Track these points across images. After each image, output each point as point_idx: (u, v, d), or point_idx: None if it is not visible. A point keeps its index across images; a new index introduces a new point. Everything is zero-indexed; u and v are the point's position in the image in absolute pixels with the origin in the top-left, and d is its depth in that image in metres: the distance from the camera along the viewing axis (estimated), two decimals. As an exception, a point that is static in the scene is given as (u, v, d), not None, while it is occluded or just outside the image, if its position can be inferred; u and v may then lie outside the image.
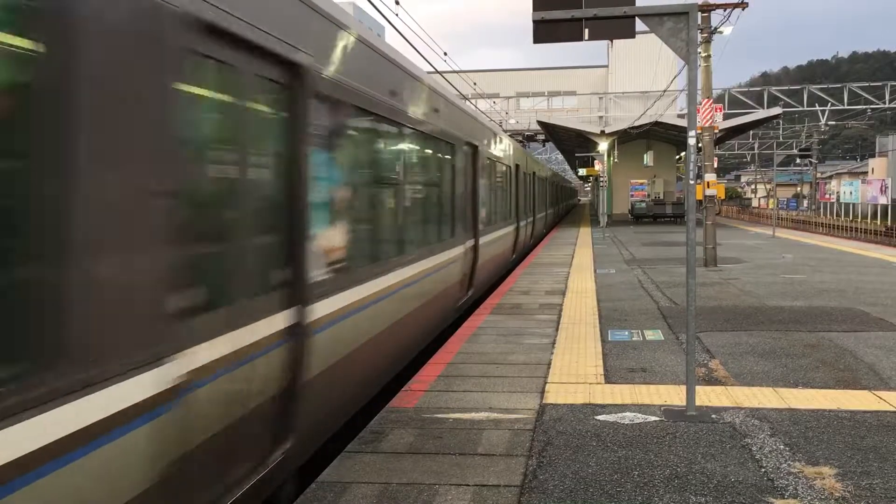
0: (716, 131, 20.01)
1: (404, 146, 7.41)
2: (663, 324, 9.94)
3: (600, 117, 55.41)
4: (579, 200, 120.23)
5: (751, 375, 7.10)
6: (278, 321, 4.26)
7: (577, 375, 7.16)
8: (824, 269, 16.73)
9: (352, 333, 5.50)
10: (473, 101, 36.13)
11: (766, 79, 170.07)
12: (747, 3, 18.33)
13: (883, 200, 56.44)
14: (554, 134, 45.46)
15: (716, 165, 19.61)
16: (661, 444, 5.20)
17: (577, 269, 17.35)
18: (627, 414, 5.91)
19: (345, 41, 5.42)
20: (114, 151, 2.80)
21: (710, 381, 6.91)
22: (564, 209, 58.72)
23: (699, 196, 18.09)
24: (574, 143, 46.89)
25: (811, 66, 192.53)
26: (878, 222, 50.42)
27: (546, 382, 6.91)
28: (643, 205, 44.50)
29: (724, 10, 18.65)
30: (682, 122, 33.27)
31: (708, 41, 18.59)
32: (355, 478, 4.63)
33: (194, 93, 3.47)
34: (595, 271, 16.79)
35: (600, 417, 5.83)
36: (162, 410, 3.07)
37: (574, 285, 14.19)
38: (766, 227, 36.53)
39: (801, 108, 51.82)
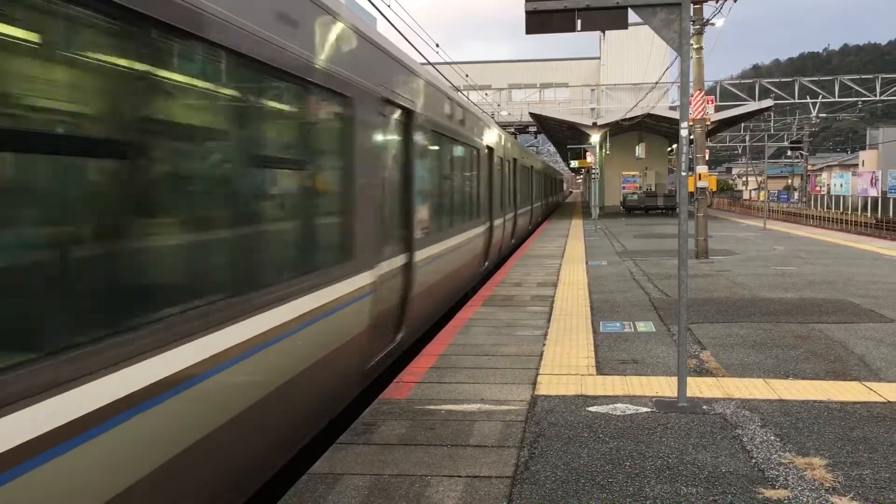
0: (707, 123, 20.03)
1: (241, 94, 4.18)
2: (655, 315, 9.97)
3: (592, 109, 55.44)
4: (571, 192, 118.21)
5: (742, 367, 7.12)
6: None
7: (568, 367, 7.17)
8: (815, 260, 16.79)
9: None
10: (465, 92, 36.07)
11: (757, 71, 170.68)
12: (739, -5, 18.34)
13: (873, 193, 56.80)
14: (546, 126, 45.45)
15: (707, 158, 19.63)
16: (653, 435, 5.21)
17: (568, 260, 17.37)
18: (619, 405, 5.92)
19: None
20: None
21: (702, 372, 6.93)
22: (555, 203, 55.35)
23: (691, 188, 18.12)
24: (566, 135, 46.89)
25: (802, 59, 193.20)
26: (869, 214, 50.66)
27: (538, 374, 6.91)
28: (635, 197, 44.58)
29: (717, 2, 18.66)
30: (674, 115, 33.34)
31: (700, 33, 18.59)
32: (347, 469, 4.62)
33: None
34: (587, 263, 16.81)
35: (592, 409, 5.84)
36: None
37: (566, 277, 14.21)
38: (757, 220, 36.64)
39: (792, 101, 51.95)
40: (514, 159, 20.28)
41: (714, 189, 23.84)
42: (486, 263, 14.61)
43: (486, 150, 14.41)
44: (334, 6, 5.38)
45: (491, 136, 15.21)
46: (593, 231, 28.33)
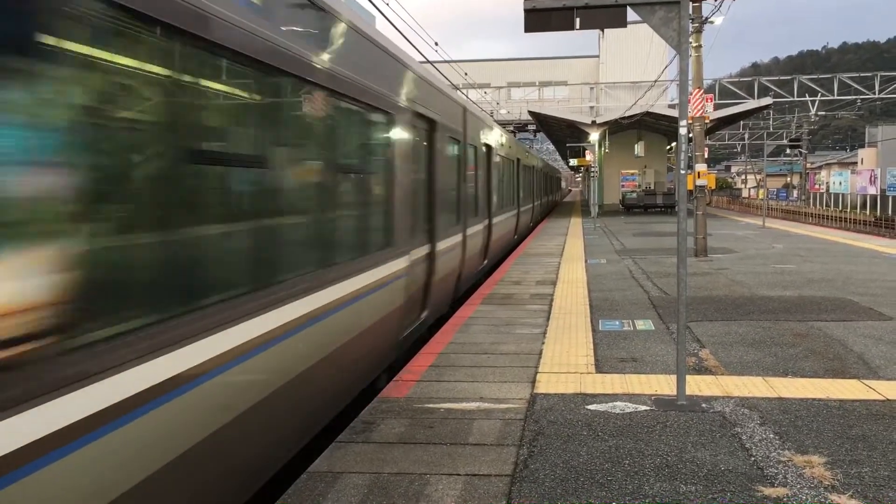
0: (706, 121, 20.03)
1: None
2: (654, 314, 9.97)
3: (591, 107, 55.46)
4: (570, 191, 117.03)
5: (741, 365, 7.12)
6: None
7: (567, 365, 7.17)
8: (814, 258, 16.79)
9: None
10: (465, 90, 36.07)
11: (756, 69, 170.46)
12: (738, -7, 18.35)
13: (872, 191, 56.78)
14: (545, 124, 45.44)
15: (706, 156, 19.64)
16: (652, 433, 5.22)
17: (568, 259, 17.36)
18: (618, 403, 5.92)
19: None
20: None
21: (701, 370, 6.94)
22: (552, 203, 50.27)
23: (690, 186, 18.11)
24: (565, 134, 46.90)
25: (801, 57, 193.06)
26: (868, 212, 50.68)
27: (537, 372, 6.91)
28: (634, 195, 44.60)
29: (716, 0, 18.65)
30: (673, 113, 33.34)
31: (699, 31, 18.58)
32: (346, 468, 4.62)
33: None
34: (586, 261, 16.80)
35: (591, 407, 5.84)
36: None
37: (565, 275, 14.21)
38: (757, 218, 36.65)
39: (791, 99, 51.95)
40: (487, 147, 14.51)
41: (713, 187, 23.84)
42: (424, 314, 8.80)
43: (425, 125, 8.79)
44: None
45: (439, 106, 9.38)
46: (592, 229, 28.33)
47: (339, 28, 5.63)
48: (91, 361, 2.78)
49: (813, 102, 51.57)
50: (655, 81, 34.93)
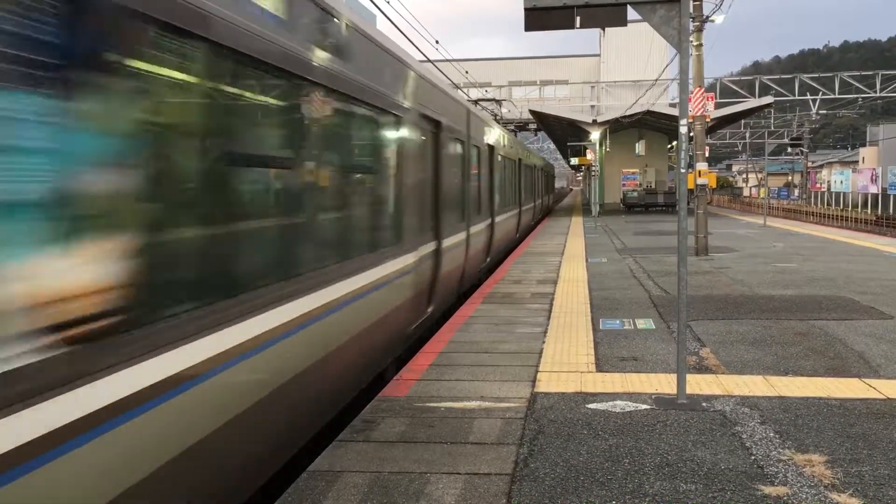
0: (707, 120, 20.02)
1: None
2: (654, 313, 9.96)
3: (592, 106, 55.43)
4: (571, 190, 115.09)
5: (741, 364, 7.12)
6: None
7: (568, 364, 7.17)
8: (815, 257, 16.78)
9: None
10: (466, 89, 36.06)
11: (757, 68, 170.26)
12: (739, -8, 18.32)
13: (873, 189, 56.79)
14: (546, 123, 45.40)
15: (707, 154, 19.62)
16: (652, 432, 5.22)
17: (568, 258, 17.36)
18: (618, 402, 5.92)
19: None
20: None
21: (701, 369, 6.94)
22: (547, 206, 42.23)
23: (691, 185, 18.10)
24: (566, 133, 46.82)
25: (802, 56, 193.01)
26: (869, 211, 50.66)
27: (537, 371, 6.91)
28: (635, 194, 44.56)
29: (716, -1, 18.64)
30: (674, 112, 33.30)
31: (700, 30, 18.57)
32: (347, 466, 4.63)
33: None
34: (587, 260, 16.80)
35: (591, 406, 5.84)
36: None
37: (566, 274, 14.21)
38: (757, 217, 36.63)
39: (792, 98, 51.96)
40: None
41: (714, 186, 23.82)
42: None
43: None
44: None
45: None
46: (593, 228, 28.33)
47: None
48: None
49: (814, 101, 51.54)
50: (656, 80, 34.90)
